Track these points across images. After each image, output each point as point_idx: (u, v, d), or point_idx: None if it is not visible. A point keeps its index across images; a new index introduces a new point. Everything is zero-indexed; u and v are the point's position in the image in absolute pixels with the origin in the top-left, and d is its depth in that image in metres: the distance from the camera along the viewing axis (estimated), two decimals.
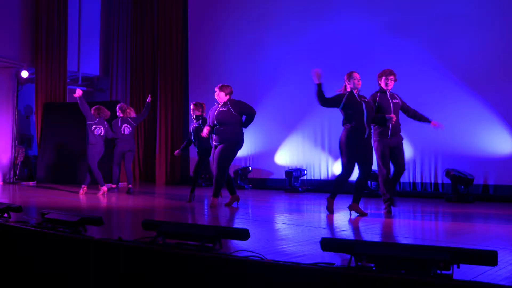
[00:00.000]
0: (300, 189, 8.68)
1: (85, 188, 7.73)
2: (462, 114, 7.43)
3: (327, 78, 9.05)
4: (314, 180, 8.99)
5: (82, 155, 10.66)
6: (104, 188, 7.67)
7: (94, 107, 7.90)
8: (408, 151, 7.91)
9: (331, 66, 8.91)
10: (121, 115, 8.19)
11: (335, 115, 8.97)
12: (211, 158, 6.16)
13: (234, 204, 6.17)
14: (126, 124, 8.14)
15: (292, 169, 8.91)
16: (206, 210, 5.89)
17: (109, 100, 11.95)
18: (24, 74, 10.82)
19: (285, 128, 9.52)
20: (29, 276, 3.44)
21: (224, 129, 5.76)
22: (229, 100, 5.87)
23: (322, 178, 8.94)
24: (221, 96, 5.86)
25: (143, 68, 11.99)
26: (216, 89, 5.92)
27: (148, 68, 11.94)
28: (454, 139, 7.50)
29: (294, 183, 8.76)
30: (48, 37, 11.17)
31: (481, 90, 7.32)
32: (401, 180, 7.88)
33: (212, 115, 5.89)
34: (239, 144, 5.86)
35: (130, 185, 8.15)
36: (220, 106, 5.89)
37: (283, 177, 9.04)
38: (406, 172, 7.97)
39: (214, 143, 5.87)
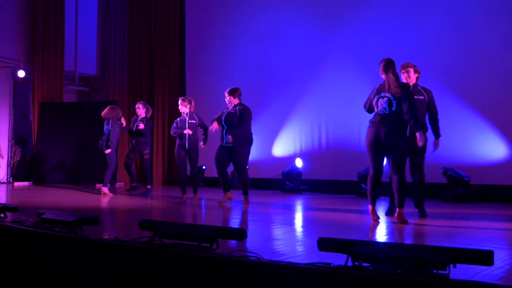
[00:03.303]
0: (297, 189, 8.68)
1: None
2: (459, 122, 7.52)
3: (322, 77, 9.13)
4: (312, 180, 8.98)
5: (78, 155, 10.65)
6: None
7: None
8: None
9: (331, 66, 8.92)
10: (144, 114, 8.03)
11: (333, 115, 9.04)
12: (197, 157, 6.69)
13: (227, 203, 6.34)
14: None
15: (290, 169, 8.91)
16: (203, 210, 5.89)
17: (106, 99, 11.92)
18: (21, 73, 10.79)
19: (283, 128, 9.51)
20: (26, 277, 3.43)
21: (233, 131, 6.07)
22: (239, 103, 6.22)
23: (320, 178, 8.94)
24: (231, 100, 6.22)
25: (140, 67, 11.97)
26: (226, 93, 6.28)
27: (145, 67, 11.91)
28: (452, 143, 7.55)
29: (291, 183, 8.76)
30: (44, 37, 11.15)
31: (477, 102, 7.45)
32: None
33: (222, 116, 6.22)
34: (249, 144, 6.22)
35: (149, 186, 8.06)
36: (230, 108, 6.23)
37: (281, 177, 9.04)
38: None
39: (226, 144, 6.15)
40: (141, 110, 7.97)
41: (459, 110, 7.54)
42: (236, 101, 6.19)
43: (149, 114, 8.07)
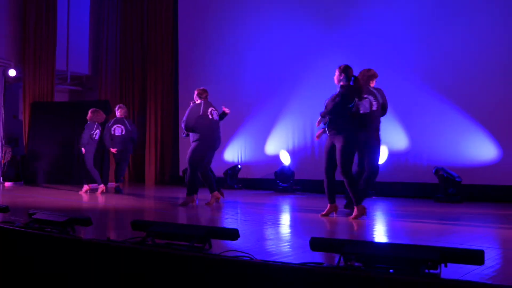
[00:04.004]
0: (290, 189, 8.69)
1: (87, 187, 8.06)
2: (451, 125, 7.60)
3: (314, 76, 9.14)
4: (304, 180, 9.00)
5: (69, 155, 10.58)
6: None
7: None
8: (397, 151, 8.00)
9: (323, 64, 8.92)
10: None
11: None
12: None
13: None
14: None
15: (282, 169, 8.92)
16: (196, 210, 5.88)
17: (98, 99, 11.86)
18: (12, 72, 10.70)
19: (276, 127, 9.52)
20: (17, 277, 3.40)
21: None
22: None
23: (312, 178, 8.95)
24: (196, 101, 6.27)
25: (132, 67, 11.92)
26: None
27: (137, 66, 11.86)
28: (444, 145, 7.65)
29: (284, 183, 8.77)
30: (36, 35, 11.06)
31: (469, 106, 7.50)
32: (390, 180, 7.95)
33: None
34: (201, 142, 6.06)
35: (119, 184, 8.22)
36: None
37: (273, 177, 9.04)
38: (396, 172, 8.09)
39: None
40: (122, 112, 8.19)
41: (450, 113, 7.63)
42: (198, 101, 6.21)
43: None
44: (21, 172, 10.94)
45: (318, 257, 2.77)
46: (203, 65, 10.74)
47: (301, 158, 9.16)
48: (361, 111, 5.04)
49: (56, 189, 8.95)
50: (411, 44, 8.02)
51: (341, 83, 4.87)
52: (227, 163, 10.00)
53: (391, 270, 2.19)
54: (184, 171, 10.39)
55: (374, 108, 5.11)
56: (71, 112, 10.87)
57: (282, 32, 9.50)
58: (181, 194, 8.23)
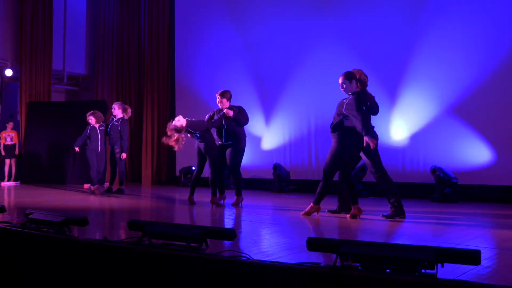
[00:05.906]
0: (286, 189, 8.69)
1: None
2: (446, 128, 7.65)
3: (308, 74, 9.15)
4: (301, 180, 9.01)
5: (66, 155, 10.56)
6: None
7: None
8: (393, 151, 8.01)
9: (322, 66, 8.94)
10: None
11: (322, 116, 9.05)
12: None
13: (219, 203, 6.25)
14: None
15: (278, 169, 8.92)
16: (194, 210, 5.88)
17: (95, 99, 11.84)
18: (8, 72, 10.67)
19: (272, 128, 9.52)
20: (12, 277, 3.39)
21: (234, 130, 6.10)
22: (232, 106, 6.21)
23: (309, 178, 8.96)
24: (223, 102, 6.15)
25: (129, 67, 11.90)
26: (217, 95, 6.19)
27: (134, 66, 11.85)
28: (440, 148, 7.68)
29: (280, 183, 8.77)
30: (32, 35, 11.04)
31: (464, 111, 7.55)
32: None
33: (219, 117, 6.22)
34: (245, 143, 6.23)
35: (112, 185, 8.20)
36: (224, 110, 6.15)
37: (270, 177, 9.04)
38: (392, 172, 8.08)
39: (225, 142, 6.16)
40: (116, 111, 7.96)
41: (447, 116, 7.67)
42: (227, 104, 6.17)
43: (127, 115, 8.01)
44: (18, 171, 10.91)
45: (315, 257, 2.77)
46: (200, 64, 10.73)
47: (298, 158, 9.17)
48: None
49: (53, 189, 8.93)
50: (409, 46, 8.02)
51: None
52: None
53: (387, 270, 2.20)
54: (180, 171, 10.38)
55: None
56: (67, 112, 10.85)
57: (278, 31, 9.49)
58: (178, 194, 8.23)
